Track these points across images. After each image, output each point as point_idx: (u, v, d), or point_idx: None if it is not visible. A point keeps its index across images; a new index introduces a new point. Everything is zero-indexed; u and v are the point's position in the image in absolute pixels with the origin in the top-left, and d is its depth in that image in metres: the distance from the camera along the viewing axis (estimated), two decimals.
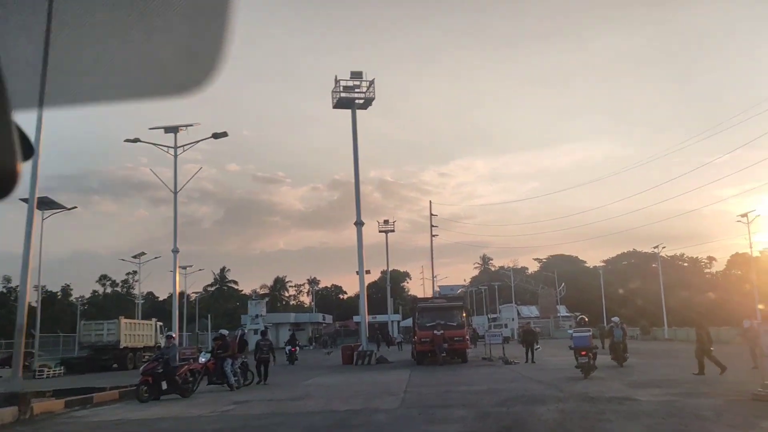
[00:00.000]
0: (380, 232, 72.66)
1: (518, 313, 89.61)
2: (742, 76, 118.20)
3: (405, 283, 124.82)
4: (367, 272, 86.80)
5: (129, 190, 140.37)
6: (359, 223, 36.61)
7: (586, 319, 25.51)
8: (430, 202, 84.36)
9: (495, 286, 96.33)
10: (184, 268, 59.34)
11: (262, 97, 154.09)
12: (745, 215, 46.40)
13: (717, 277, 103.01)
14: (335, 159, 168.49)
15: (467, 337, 32.65)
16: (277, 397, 18.17)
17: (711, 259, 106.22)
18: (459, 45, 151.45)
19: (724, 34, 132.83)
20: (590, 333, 22.04)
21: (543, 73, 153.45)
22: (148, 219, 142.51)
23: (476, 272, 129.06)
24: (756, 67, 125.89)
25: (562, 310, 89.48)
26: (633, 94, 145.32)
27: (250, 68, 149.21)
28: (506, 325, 67.76)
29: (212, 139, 26.91)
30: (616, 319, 25.84)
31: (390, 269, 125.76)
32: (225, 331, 22.54)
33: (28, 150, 1.14)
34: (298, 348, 46.76)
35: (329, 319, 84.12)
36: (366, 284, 37.78)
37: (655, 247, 63.73)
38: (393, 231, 73.02)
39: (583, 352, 20.51)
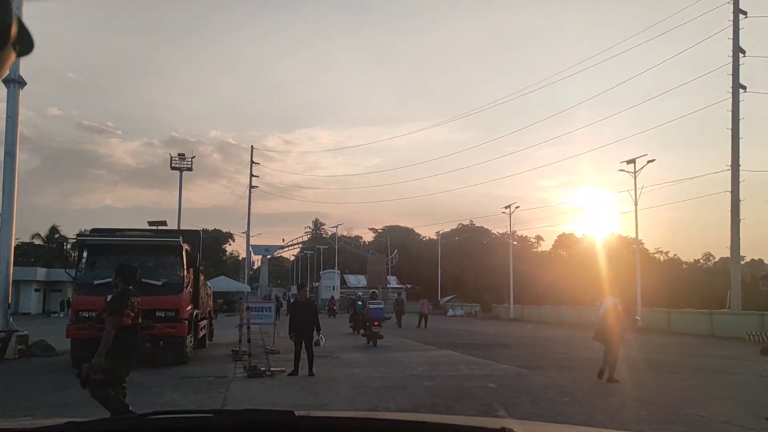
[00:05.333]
0: (173, 168, 52.48)
1: (344, 282, 73.51)
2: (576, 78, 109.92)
3: (227, 245, 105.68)
4: (163, 223, 66.99)
5: None
6: None
7: (377, 293, 26.69)
8: (252, 146, 66.73)
9: (321, 250, 79.55)
10: None
11: (95, 40, 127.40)
12: (632, 161, 32.34)
13: (543, 256, 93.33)
14: (174, 114, 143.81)
15: (188, 310, 14.71)
16: None
17: (539, 238, 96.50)
18: (315, 15, 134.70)
19: (550, 31, 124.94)
20: (383, 305, 22.46)
21: (391, 52, 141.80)
22: None
23: (308, 239, 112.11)
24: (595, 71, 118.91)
25: (393, 281, 74.53)
26: (475, 81, 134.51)
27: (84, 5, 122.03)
28: (281, 296, 51.56)
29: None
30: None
31: (212, 229, 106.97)
32: None
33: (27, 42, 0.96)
34: None
35: None
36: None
37: (506, 207, 49.05)
38: (191, 169, 53.09)
39: (377, 323, 20.37)
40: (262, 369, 12.40)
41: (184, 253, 14.58)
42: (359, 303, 24.96)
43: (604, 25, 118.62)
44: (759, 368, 13.02)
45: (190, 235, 16.43)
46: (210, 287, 22.57)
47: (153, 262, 14.37)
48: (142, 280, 13.80)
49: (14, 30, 0.95)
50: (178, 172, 52.49)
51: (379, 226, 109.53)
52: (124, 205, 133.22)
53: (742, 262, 70.50)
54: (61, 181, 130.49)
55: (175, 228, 56.34)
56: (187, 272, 14.79)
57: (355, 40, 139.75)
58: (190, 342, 15.04)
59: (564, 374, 13.15)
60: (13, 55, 0.99)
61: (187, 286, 14.58)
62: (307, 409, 6.21)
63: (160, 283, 13.99)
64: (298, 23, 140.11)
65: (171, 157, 53.18)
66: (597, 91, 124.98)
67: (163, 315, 13.89)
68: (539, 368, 14.09)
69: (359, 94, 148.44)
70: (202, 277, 20.13)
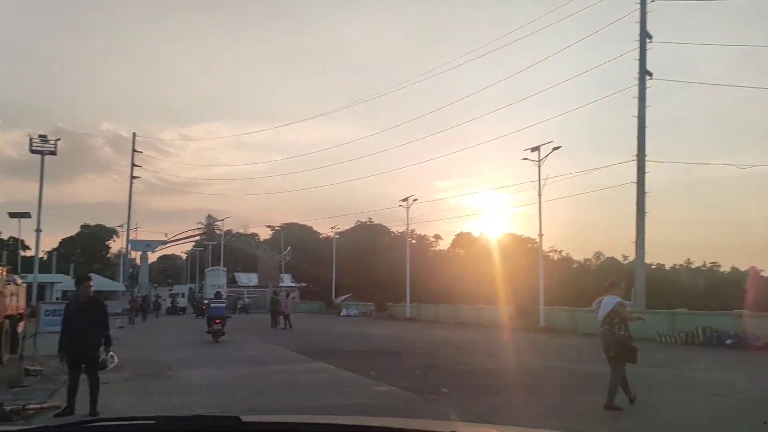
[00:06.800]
0: (32, 152, 44.99)
1: (234, 280, 67.89)
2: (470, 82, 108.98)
3: (111, 241, 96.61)
4: (26, 215, 58.79)
5: None
6: None
7: (222, 294, 24.72)
8: (134, 134, 60.29)
9: (210, 247, 73.57)
10: None
11: None
12: (536, 149, 29.70)
13: (441, 255, 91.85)
14: (60, 103, 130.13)
15: None
16: None
17: (437, 237, 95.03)
18: (213, 7, 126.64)
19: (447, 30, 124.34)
20: (225, 304, 22.79)
21: (293, 49, 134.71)
22: None
23: (200, 235, 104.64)
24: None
25: (287, 279, 69.72)
26: (374, 75, 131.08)
27: None
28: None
29: None
30: None
31: (94, 225, 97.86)
32: None
33: None
34: None
35: None
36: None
37: (403, 200, 45.74)
38: (54, 153, 45.73)
39: (218, 321, 21.10)
40: (8, 409, 7.81)
41: None
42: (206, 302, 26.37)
43: (501, 11, 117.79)
44: (715, 383, 9.95)
45: None
46: (20, 284, 17.24)
47: None
48: None
49: None
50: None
51: (276, 224, 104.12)
52: (4, 200, 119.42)
53: (627, 262, 71.67)
54: None
55: (37, 220, 49.34)
56: None
57: (255, 34, 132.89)
58: None
59: (470, 400, 9.46)
60: None
61: None
62: None
63: None
64: (194, 15, 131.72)
65: (30, 139, 45.70)
66: (492, 82, 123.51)
67: None
68: (436, 391, 10.34)
69: (259, 89, 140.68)
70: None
